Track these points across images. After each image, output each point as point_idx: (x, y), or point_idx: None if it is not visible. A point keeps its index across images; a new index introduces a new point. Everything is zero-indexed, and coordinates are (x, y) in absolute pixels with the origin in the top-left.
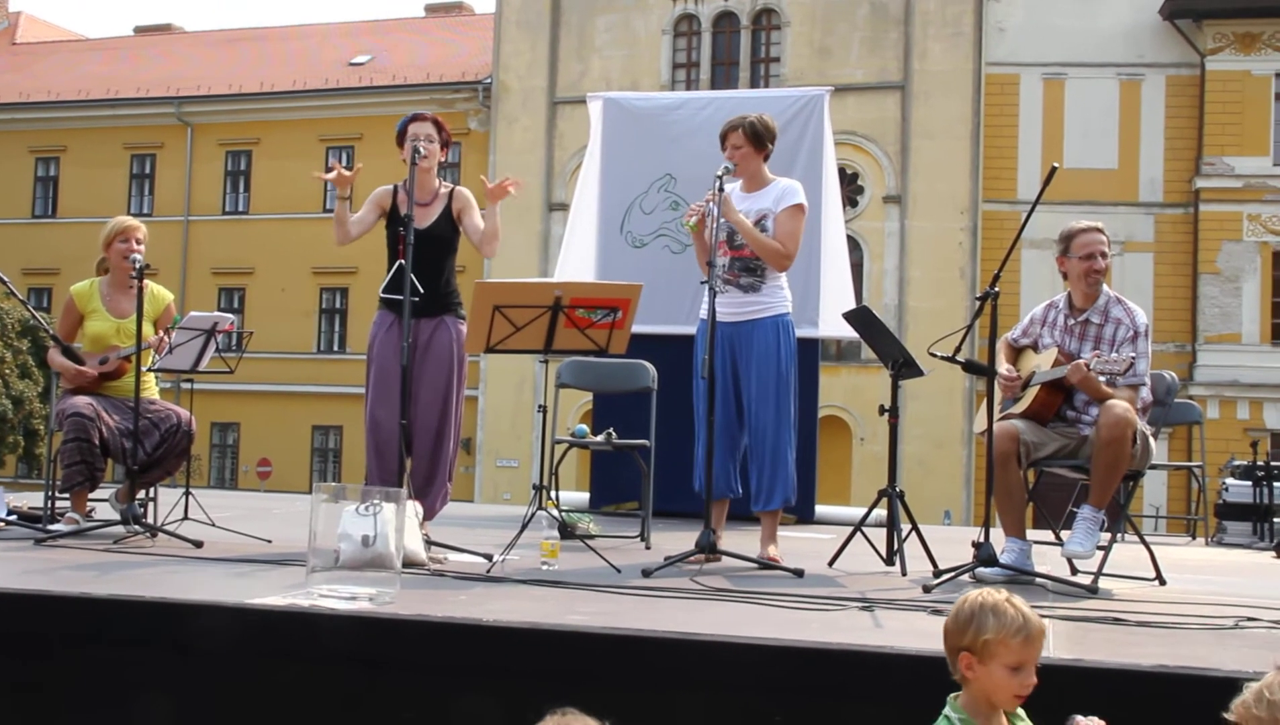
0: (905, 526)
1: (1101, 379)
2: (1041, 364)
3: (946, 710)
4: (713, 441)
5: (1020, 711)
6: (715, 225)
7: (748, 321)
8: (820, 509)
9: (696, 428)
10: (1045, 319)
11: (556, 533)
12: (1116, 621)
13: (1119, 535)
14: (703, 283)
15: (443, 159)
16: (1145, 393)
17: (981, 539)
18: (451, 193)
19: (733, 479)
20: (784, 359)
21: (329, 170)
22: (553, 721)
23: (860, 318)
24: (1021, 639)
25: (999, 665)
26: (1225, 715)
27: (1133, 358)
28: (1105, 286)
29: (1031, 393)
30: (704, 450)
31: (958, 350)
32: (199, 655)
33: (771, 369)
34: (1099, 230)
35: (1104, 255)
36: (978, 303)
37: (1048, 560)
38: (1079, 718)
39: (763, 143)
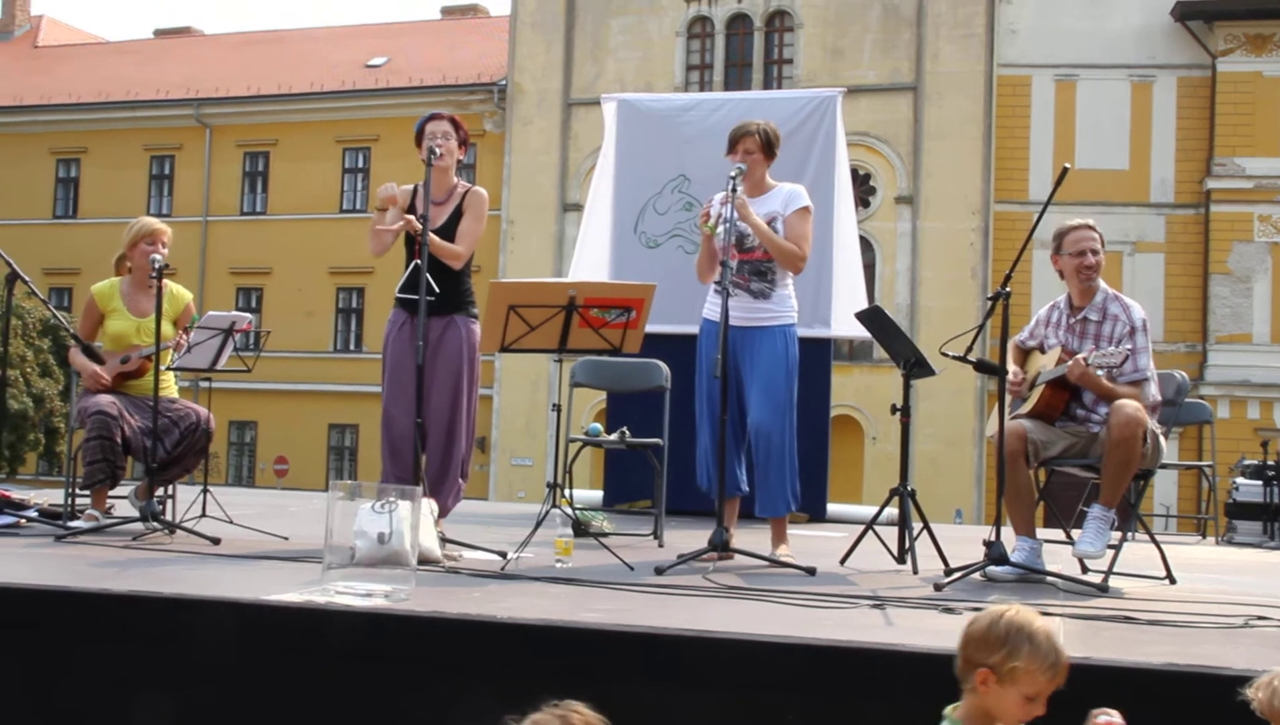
0: (917, 525)
1: (1100, 373)
2: (1047, 364)
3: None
4: (724, 440)
5: None
6: (731, 227)
7: (755, 328)
8: (832, 508)
9: (698, 425)
10: (1049, 320)
11: (570, 530)
12: (1127, 620)
13: (1129, 534)
14: (716, 284)
15: (461, 157)
16: (1154, 391)
17: (993, 538)
18: (466, 192)
19: (740, 477)
20: (789, 369)
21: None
22: (549, 712)
23: (872, 318)
24: (1050, 675)
25: (1018, 693)
26: (1243, 690)
27: (1129, 351)
28: (1103, 284)
29: (1037, 392)
30: (710, 449)
31: (969, 350)
32: (215, 651)
33: (778, 378)
34: (1089, 227)
35: (1095, 252)
36: (989, 303)
37: (1059, 559)
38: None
39: (772, 150)
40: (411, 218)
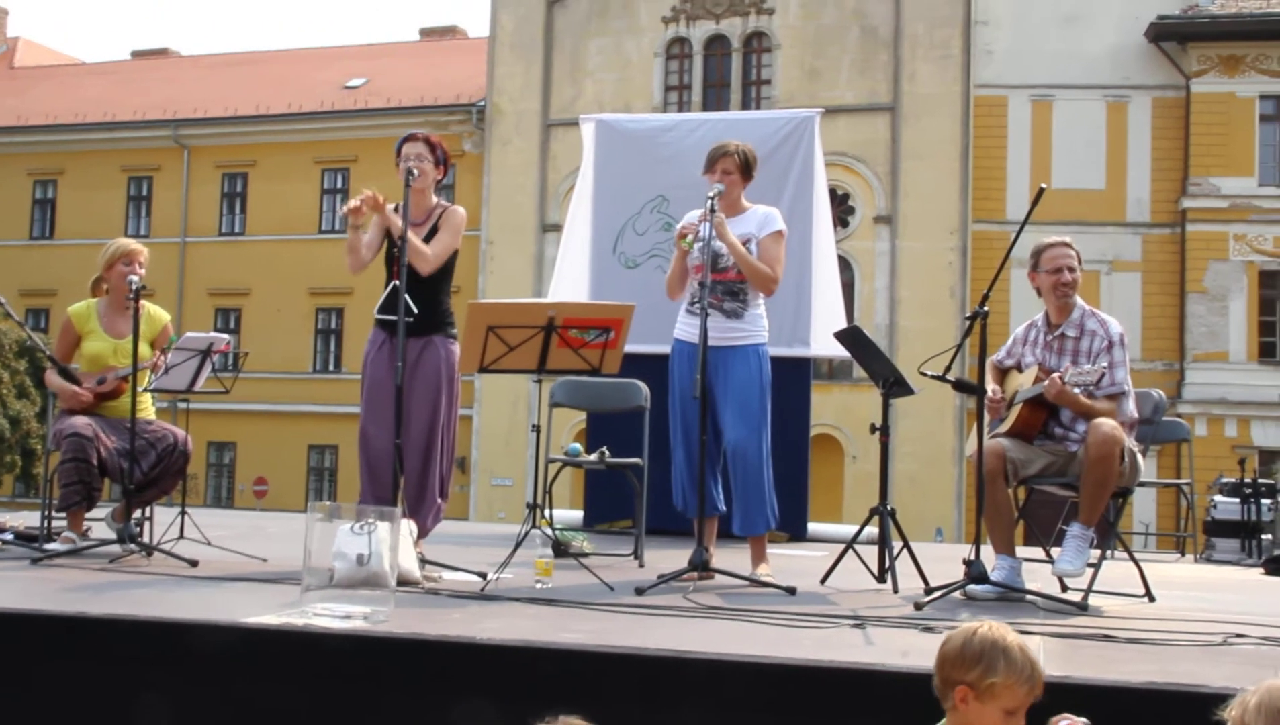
0: (897, 544)
1: (1077, 391)
2: (1024, 383)
3: None
4: (704, 460)
5: None
6: (708, 246)
7: (727, 347)
8: (812, 527)
9: (672, 445)
10: (1026, 338)
11: (550, 551)
12: (1106, 638)
13: (1109, 552)
14: (689, 305)
15: (439, 177)
16: (1131, 408)
17: (972, 557)
18: (444, 211)
19: (716, 496)
20: (763, 387)
21: (356, 203)
22: None
23: (851, 337)
24: (1028, 687)
25: (997, 708)
26: (1219, 710)
27: (1105, 368)
28: (1080, 301)
29: (1015, 411)
30: (684, 468)
31: (948, 369)
32: (194, 674)
33: (752, 397)
34: (1066, 244)
35: (1071, 269)
36: (967, 322)
37: (1038, 578)
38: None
39: (749, 171)
40: (392, 215)
